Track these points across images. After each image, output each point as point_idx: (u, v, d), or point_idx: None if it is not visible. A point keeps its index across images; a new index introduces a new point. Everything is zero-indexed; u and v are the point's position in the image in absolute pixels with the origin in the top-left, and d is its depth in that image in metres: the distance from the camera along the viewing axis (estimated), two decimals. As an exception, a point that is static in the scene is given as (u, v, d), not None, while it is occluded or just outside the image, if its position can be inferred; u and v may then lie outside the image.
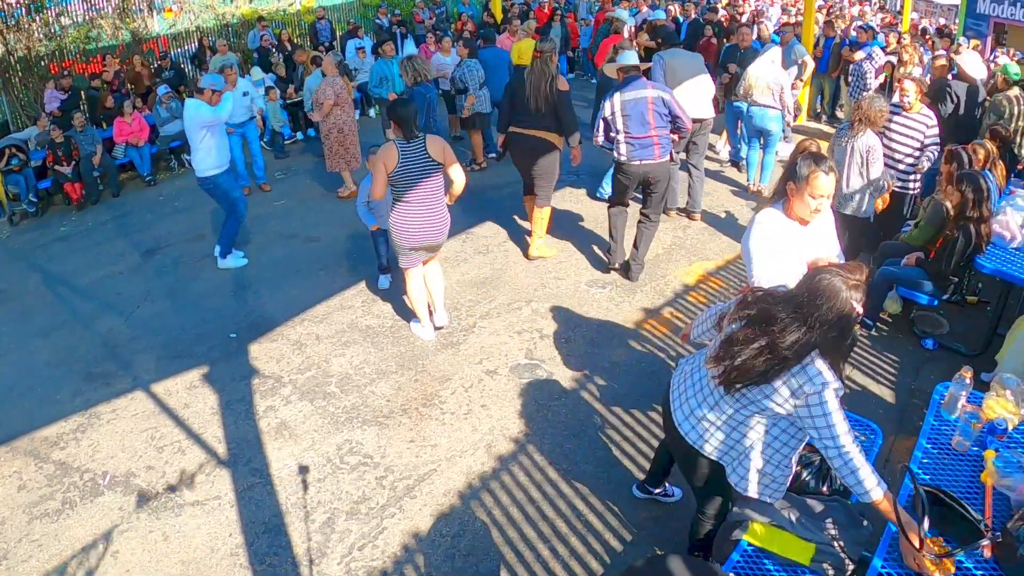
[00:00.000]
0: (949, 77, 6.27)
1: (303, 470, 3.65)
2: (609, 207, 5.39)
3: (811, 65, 8.18)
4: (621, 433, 3.80)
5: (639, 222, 5.27)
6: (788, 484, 2.36)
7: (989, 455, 2.46)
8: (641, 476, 3.43)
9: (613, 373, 4.29)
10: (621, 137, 4.92)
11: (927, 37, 10.79)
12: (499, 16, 12.78)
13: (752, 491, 2.32)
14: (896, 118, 4.95)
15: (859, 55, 8.41)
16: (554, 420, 3.92)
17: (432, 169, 4.21)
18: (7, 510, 3.54)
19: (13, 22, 10.03)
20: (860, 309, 2.12)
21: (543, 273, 5.53)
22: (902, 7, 12.51)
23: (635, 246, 5.30)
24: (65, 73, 9.99)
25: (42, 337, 5.17)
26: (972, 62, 6.37)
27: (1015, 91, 5.78)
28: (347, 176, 7.35)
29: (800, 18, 10.33)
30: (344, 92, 7.05)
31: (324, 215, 6.98)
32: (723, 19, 10.92)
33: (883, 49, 8.66)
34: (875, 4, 16.72)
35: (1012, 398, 2.69)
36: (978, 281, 4.90)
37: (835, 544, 2.27)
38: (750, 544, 2.34)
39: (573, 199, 6.97)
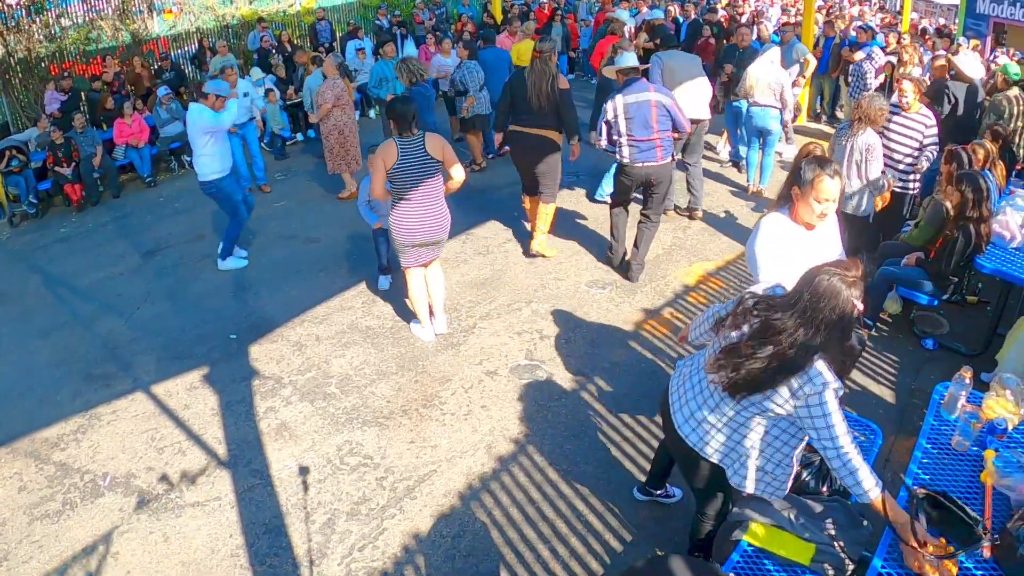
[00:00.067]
0: (948, 78, 6.27)
1: (303, 471, 3.65)
2: (611, 207, 5.41)
3: (813, 63, 8.16)
4: (621, 434, 3.80)
5: (640, 222, 5.28)
6: (790, 483, 2.37)
7: (989, 455, 2.46)
8: (641, 477, 3.43)
9: (613, 374, 4.30)
10: (624, 140, 4.92)
11: (927, 37, 10.77)
12: (499, 17, 12.77)
13: (753, 488, 2.33)
14: (895, 118, 4.95)
15: (859, 55, 8.40)
16: (554, 421, 3.92)
17: (431, 166, 4.22)
18: (8, 511, 3.54)
19: (13, 23, 10.03)
20: (860, 306, 2.12)
21: (543, 274, 5.53)
22: (902, 7, 12.50)
23: (635, 246, 5.30)
24: (65, 74, 9.99)
25: (42, 338, 5.17)
26: (969, 63, 6.38)
27: (1015, 91, 5.78)
28: (348, 178, 7.33)
29: (800, 18, 10.32)
30: (345, 94, 7.03)
31: (324, 216, 6.99)
32: (723, 19, 10.92)
33: (883, 49, 8.65)
34: (875, 4, 16.70)
35: (1012, 398, 2.69)
36: (978, 281, 4.90)
37: (835, 544, 2.27)
38: (750, 544, 2.34)
39: (573, 199, 6.97)
